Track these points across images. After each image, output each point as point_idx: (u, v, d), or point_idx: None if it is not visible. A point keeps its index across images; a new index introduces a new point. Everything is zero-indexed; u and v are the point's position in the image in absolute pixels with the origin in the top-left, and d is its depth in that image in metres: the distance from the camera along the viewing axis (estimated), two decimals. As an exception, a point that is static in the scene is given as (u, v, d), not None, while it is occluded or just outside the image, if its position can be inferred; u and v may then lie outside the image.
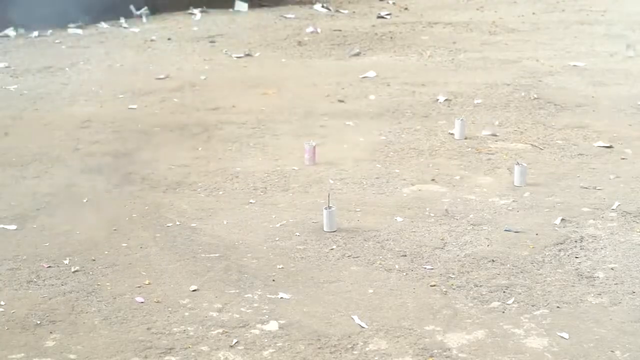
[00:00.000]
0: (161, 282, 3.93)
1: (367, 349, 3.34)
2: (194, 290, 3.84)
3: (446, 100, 7.32)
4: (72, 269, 4.07)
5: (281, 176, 5.45)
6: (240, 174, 5.51)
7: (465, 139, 6.21)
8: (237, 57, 9.52)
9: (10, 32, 10.75)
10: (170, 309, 3.68)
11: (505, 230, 4.48)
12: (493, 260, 4.14)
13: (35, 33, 10.83)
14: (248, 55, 9.65)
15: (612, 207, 4.81)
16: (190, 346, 3.37)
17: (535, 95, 7.47)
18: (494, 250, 4.26)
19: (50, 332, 3.49)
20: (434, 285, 3.89)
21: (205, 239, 4.44)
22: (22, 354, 3.33)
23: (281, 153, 5.94)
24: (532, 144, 6.06)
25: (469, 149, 6.00)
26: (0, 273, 4.05)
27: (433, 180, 5.36)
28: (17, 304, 3.73)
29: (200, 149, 6.07)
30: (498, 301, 3.73)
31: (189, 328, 3.51)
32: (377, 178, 5.40)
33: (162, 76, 8.51)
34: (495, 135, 6.24)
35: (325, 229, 4.53)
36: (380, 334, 3.45)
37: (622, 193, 5.06)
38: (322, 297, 3.78)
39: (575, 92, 7.61)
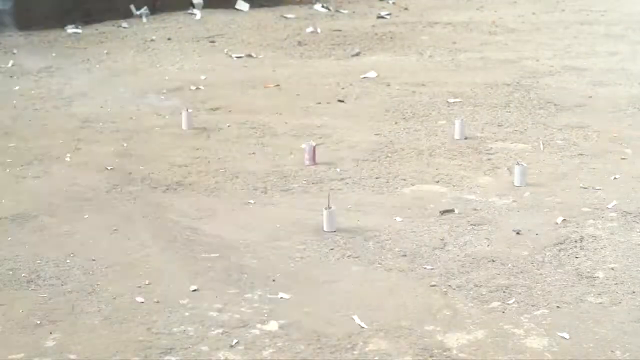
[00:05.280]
0: (161, 282, 3.93)
1: (367, 349, 3.34)
2: (194, 290, 3.84)
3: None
4: (72, 269, 4.07)
5: (281, 176, 5.45)
6: (240, 174, 5.51)
7: (465, 138, 6.21)
8: (237, 57, 9.52)
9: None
10: (170, 309, 3.67)
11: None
12: (493, 260, 4.14)
13: (36, 33, 10.83)
14: (248, 55, 9.65)
15: (612, 207, 4.81)
16: (190, 346, 3.36)
17: (535, 95, 7.47)
18: (494, 250, 4.26)
19: (50, 332, 3.49)
20: (434, 285, 3.89)
21: (205, 239, 4.44)
22: (22, 354, 3.33)
23: (281, 153, 5.94)
24: (539, 143, 6.05)
25: (469, 148, 6.00)
26: (0, 273, 4.05)
27: (436, 181, 5.36)
28: (17, 304, 3.73)
29: (200, 149, 6.07)
30: (498, 301, 3.73)
31: (189, 328, 3.51)
32: (377, 178, 5.41)
33: (162, 76, 8.50)
34: None
35: (325, 229, 4.52)
36: (380, 334, 3.45)
37: (622, 193, 5.06)
38: (322, 297, 3.78)
39: (575, 92, 7.62)
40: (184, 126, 6.57)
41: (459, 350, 3.32)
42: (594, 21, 11.70)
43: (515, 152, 5.92)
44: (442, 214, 4.74)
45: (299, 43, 10.34)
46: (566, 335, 3.42)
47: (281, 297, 3.77)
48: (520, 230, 4.48)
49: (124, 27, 11.37)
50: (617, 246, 4.30)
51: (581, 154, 5.84)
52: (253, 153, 5.96)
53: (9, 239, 4.48)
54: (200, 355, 3.30)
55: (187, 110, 6.65)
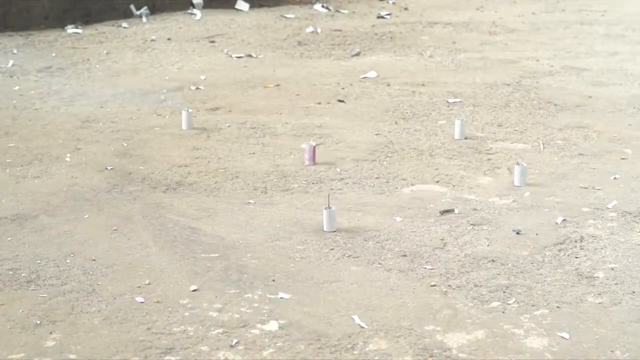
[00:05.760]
0: (161, 282, 3.93)
1: (367, 349, 3.34)
2: (194, 290, 3.84)
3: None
4: (72, 269, 4.07)
5: (281, 176, 5.45)
6: (240, 174, 5.51)
7: (465, 138, 6.21)
8: (237, 57, 9.52)
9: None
10: (170, 309, 3.68)
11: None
12: (493, 260, 4.14)
13: (36, 33, 10.83)
14: (248, 55, 9.65)
15: (612, 207, 4.81)
16: (190, 346, 3.37)
17: (535, 95, 7.48)
18: (494, 250, 4.26)
19: (50, 332, 3.49)
20: (434, 285, 3.89)
21: (205, 239, 4.44)
22: (22, 354, 3.33)
23: (281, 153, 5.94)
24: (537, 143, 6.06)
25: (469, 148, 6.01)
26: (0, 273, 4.05)
27: (436, 181, 5.36)
28: (17, 304, 3.73)
29: (200, 149, 6.07)
30: (498, 301, 3.73)
31: (189, 328, 3.51)
32: (377, 178, 5.41)
33: (162, 76, 8.50)
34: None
35: (325, 229, 4.53)
36: (380, 334, 3.45)
37: (622, 193, 5.06)
38: (322, 297, 3.79)
39: (575, 92, 7.62)
40: (184, 126, 6.57)
41: (459, 350, 3.32)
42: (594, 21, 11.70)
43: (515, 152, 5.92)
44: (442, 214, 4.74)
45: (299, 43, 10.34)
46: (566, 335, 3.42)
47: (281, 297, 3.77)
48: (519, 230, 4.48)
49: (124, 27, 11.37)
50: (617, 246, 4.30)
51: (581, 154, 5.85)
52: (253, 153, 5.96)
53: (9, 239, 4.48)
54: (200, 355, 3.31)
55: (187, 110, 6.65)
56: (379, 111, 7.06)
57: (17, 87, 8.08)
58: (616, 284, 3.88)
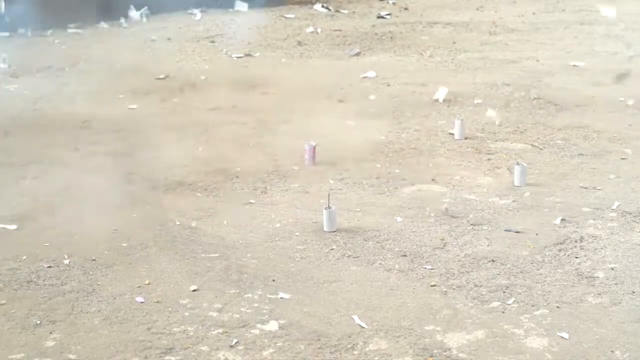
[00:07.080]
0: (161, 282, 3.93)
1: (367, 349, 3.34)
2: (194, 290, 3.84)
3: (445, 100, 7.31)
4: (72, 269, 4.07)
5: (281, 176, 5.45)
6: (240, 174, 5.51)
7: (465, 138, 6.21)
8: (237, 57, 9.52)
9: None
10: (170, 309, 3.67)
11: (506, 231, 4.48)
12: (493, 260, 4.14)
13: (35, 33, 10.82)
14: (248, 55, 9.65)
15: (612, 207, 4.81)
16: (190, 346, 3.37)
17: (535, 95, 7.48)
18: (494, 250, 4.26)
19: (50, 332, 3.49)
20: (434, 285, 3.89)
21: (205, 239, 4.44)
22: (22, 354, 3.33)
23: (281, 153, 5.93)
24: (532, 144, 6.06)
25: (469, 148, 6.00)
26: (0, 273, 4.05)
27: (433, 180, 5.36)
28: (17, 304, 3.73)
29: (200, 149, 6.07)
30: (498, 301, 3.73)
31: (189, 328, 3.51)
32: (377, 178, 5.41)
33: (162, 76, 8.50)
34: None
35: (325, 229, 4.52)
36: (380, 334, 3.45)
37: (622, 193, 5.06)
38: (322, 297, 3.78)
39: (575, 92, 7.62)
40: (186, 126, 6.57)
41: (459, 350, 3.32)
42: (594, 21, 11.70)
43: (516, 152, 5.92)
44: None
45: (299, 43, 10.34)
46: (566, 335, 3.42)
47: (281, 297, 3.77)
48: (516, 230, 4.48)
49: (124, 27, 11.36)
50: (617, 246, 4.30)
51: (581, 154, 5.85)
52: (253, 153, 5.96)
53: (9, 239, 4.48)
54: (200, 355, 3.31)
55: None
56: (379, 111, 7.06)
57: (17, 87, 8.06)
58: (616, 284, 3.88)
